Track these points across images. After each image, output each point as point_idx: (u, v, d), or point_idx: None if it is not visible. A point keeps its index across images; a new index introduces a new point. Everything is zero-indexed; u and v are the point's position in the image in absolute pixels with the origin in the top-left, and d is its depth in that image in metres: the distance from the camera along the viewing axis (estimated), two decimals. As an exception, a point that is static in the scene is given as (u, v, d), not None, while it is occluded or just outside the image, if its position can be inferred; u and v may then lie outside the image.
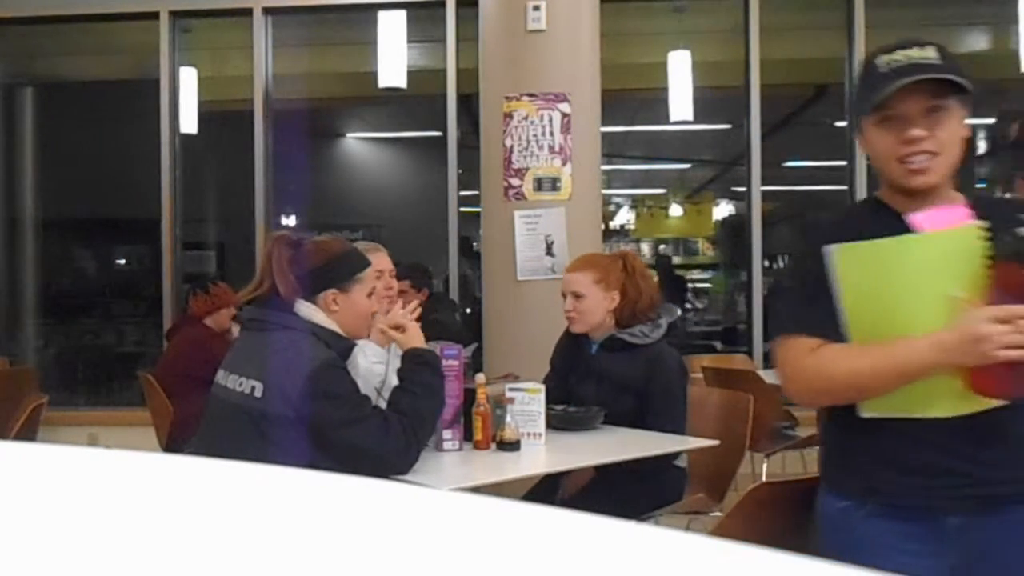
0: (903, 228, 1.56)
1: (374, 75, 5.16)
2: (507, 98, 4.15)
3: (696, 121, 5.68)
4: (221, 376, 2.25)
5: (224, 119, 6.29)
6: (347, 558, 0.39)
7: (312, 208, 6.93)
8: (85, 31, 6.10)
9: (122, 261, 7.73)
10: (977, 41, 6.53)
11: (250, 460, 0.54)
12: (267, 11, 5.51)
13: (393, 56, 5.12)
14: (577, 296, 2.92)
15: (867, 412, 1.55)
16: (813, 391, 1.64)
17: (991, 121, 6.98)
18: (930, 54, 1.50)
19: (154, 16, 5.56)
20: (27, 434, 3.78)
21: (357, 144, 9.48)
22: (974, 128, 7.23)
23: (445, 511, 0.45)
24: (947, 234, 1.50)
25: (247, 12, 5.50)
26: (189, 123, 5.67)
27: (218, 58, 6.41)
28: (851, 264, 1.55)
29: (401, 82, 5.14)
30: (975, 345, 1.38)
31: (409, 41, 5.21)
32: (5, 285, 6.11)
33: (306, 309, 2.25)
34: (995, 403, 1.47)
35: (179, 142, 5.64)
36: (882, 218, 1.60)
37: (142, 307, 6.94)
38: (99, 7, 5.63)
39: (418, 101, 6.62)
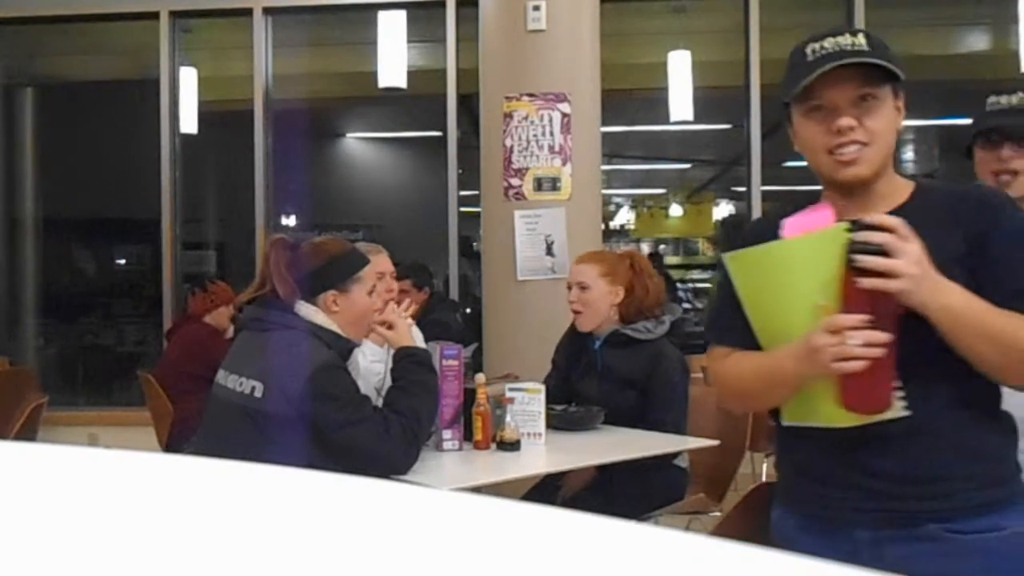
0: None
1: (374, 75, 5.16)
2: (507, 98, 4.15)
3: (696, 121, 5.68)
4: (221, 376, 2.26)
5: (224, 119, 6.29)
6: (347, 558, 0.39)
7: (312, 208, 6.93)
8: (85, 31, 6.10)
9: (122, 261, 7.73)
10: (977, 41, 6.53)
11: (250, 460, 0.54)
12: (267, 11, 5.51)
13: (393, 56, 5.12)
14: (582, 287, 2.94)
15: (785, 421, 1.51)
16: (726, 397, 1.66)
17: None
18: (860, 41, 1.43)
19: (154, 16, 5.56)
20: (27, 434, 3.78)
21: (357, 144, 9.48)
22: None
23: (445, 511, 0.46)
24: (806, 239, 1.40)
25: (247, 12, 5.50)
26: (189, 123, 5.67)
27: (218, 58, 6.41)
28: (739, 272, 1.51)
29: (401, 82, 5.14)
30: (812, 356, 1.33)
31: (409, 41, 5.21)
32: (5, 285, 6.12)
33: (306, 309, 2.25)
34: (893, 415, 1.38)
35: (179, 142, 5.64)
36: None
37: (142, 307, 6.94)
38: (99, 7, 5.63)
39: (418, 101, 6.62)
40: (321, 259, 2.28)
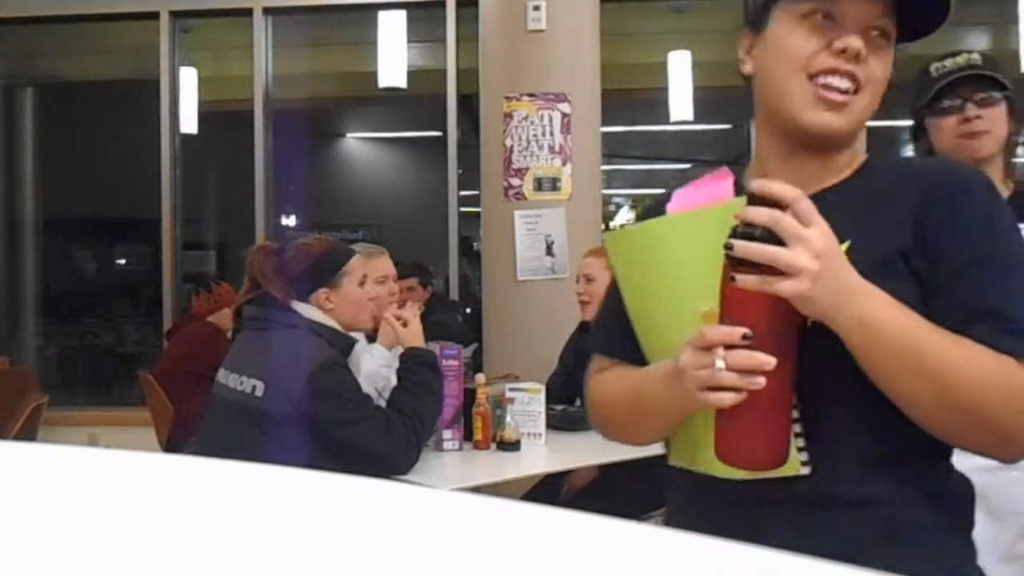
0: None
1: (374, 75, 5.16)
2: (507, 98, 4.15)
3: (696, 121, 5.68)
4: (222, 375, 2.26)
5: (224, 119, 6.29)
6: (347, 558, 0.39)
7: (312, 208, 6.93)
8: (85, 31, 6.09)
9: (122, 261, 7.74)
10: (977, 41, 6.53)
11: (251, 459, 0.54)
12: (267, 11, 5.51)
13: (393, 56, 5.12)
14: (589, 279, 3.03)
15: (671, 459, 1.14)
16: (596, 423, 1.25)
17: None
18: None
19: (154, 16, 5.56)
20: (27, 434, 3.79)
21: (357, 144, 9.48)
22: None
23: (445, 511, 0.45)
24: (689, 217, 1.03)
25: (247, 12, 5.50)
26: (189, 123, 5.67)
27: (218, 58, 6.41)
28: (619, 260, 1.13)
29: (401, 82, 5.14)
30: (679, 381, 0.97)
31: (409, 41, 5.21)
32: (5, 285, 6.11)
33: (304, 308, 2.26)
34: (786, 472, 1.00)
35: (179, 142, 5.64)
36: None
37: (142, 307, 6.96)
38: (99, 7, 5.63)
39: (418, 101, 6.62)
40: (306, 260, 2.31)
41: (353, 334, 2.38)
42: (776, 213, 0.92)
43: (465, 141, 5.32)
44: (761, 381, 0.91)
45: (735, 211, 0.94)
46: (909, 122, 1.95)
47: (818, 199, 0.97)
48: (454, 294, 5.30)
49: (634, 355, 1.13)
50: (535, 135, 4.12)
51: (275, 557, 0.39)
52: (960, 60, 1.85)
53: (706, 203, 1.02)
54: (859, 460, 1.01)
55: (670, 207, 1.06)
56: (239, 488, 0.48)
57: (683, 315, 1.00)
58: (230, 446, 2.14)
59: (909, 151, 2.04)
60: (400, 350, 2.45)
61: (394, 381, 2.38)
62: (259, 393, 2.11)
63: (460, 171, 5.37)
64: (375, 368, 2.49)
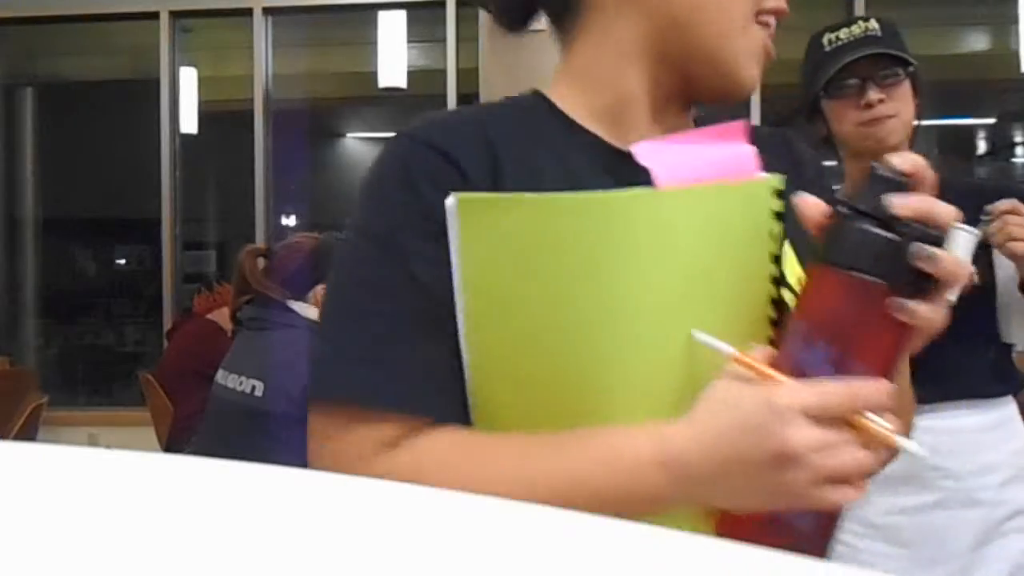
0: (627, 171, 0.72)
1: (374, 75, 5.17)
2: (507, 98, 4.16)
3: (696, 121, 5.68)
4: (221, 376, 2.27)
5: (224, 119, 6.29)
6: (347, 558, 0.39)
7: (312, 208, 6.93)
8: (85, 31, 6.10)
9: (122, 261, 7.74)
10: (977, 41, 6.54)
11: (251, 460, 0.54)
12: (267, 11, 5.51)
13: (393, 56, 5.12)
14: None
15: None
16: None
17: (991, 121, 6.98)
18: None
19: (154, 16, 5.56)
20: (27, 434, 3.79)
21: (357, 144, 9.49)
22: (973, 128, 7.23)
23: (445, 511, 0.46)
24: (698, 196, 0.70)
25: (247, 12, 5.50)
26: (189, 123, 5.68)
27: (218, 58, 6.42)
28: (497, 244, 0.70)
29: (401, 82, 5.14)
30: (778, 473, 0.60)
31: (409, 41, 5.21)
32: (5, 285, 6.12)
33: (301, 307, 2.27)
34: None
35: (179, 142, 5.65)
36: (576, 143, 0.80)
37: (142, 307, 6.95)
38: (99, 7, 5.63)
39: (418, 101, 6.62)
40: (298, 259, 2.31)
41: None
42: (949, 208, 0.63)
43: (465, 141, 5.32)
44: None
45: (765, 194, 0.69)
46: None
47: None
48: (454, 294, 5.31)
49: (456, 412, 0.71)
50: (535, 135, 4.12)
51: (275, 557, 0.39)
52: (856, 31, 1.59)
53: (713, 173, 0.71)
54: None
55: (652, 168, 0.71)
56: (239, 488, 0.48)
57: (648, 348, 0.66)
58: (230, 446, 2.14)
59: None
60: None
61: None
62: (259, 393, 2.11)
63: (460, 171, 5.37)
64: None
